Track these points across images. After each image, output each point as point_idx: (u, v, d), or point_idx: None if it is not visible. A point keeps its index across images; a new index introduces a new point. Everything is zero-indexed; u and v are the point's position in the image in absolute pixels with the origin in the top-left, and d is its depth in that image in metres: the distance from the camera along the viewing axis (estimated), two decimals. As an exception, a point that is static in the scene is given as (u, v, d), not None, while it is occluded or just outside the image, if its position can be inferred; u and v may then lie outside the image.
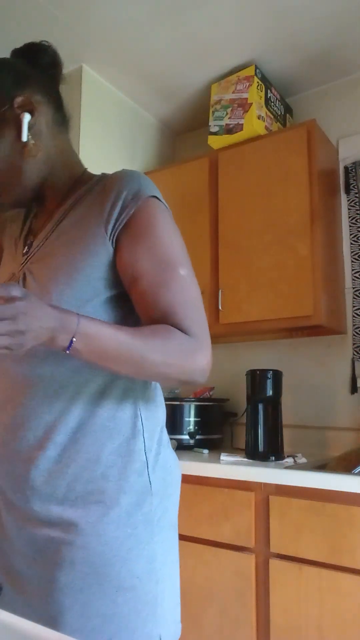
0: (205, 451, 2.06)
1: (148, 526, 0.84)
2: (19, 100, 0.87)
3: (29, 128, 0.87)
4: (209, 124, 2.33)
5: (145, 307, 0.84)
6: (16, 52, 0.97)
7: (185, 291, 0.85)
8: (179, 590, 0.92)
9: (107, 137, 2.42)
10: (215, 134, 2.31)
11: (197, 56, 2.24)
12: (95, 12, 1.99)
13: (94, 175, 0.95)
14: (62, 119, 0.95)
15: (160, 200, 0.90)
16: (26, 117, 0.87)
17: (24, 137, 0.86)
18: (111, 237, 0.85)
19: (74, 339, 0.72)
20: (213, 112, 2.33)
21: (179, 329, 0.82)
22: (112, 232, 0.85)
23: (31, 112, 0.88)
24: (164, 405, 0.98)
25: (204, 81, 2.41)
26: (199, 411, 2.16)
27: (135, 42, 2.15)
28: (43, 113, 0.90)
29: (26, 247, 0.94)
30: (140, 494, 0.84)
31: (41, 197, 0.95)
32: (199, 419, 2.15)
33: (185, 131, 2.85)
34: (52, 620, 0.78)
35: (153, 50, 2.21)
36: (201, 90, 2.47)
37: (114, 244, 0.85)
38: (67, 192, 0.94)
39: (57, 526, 0.81)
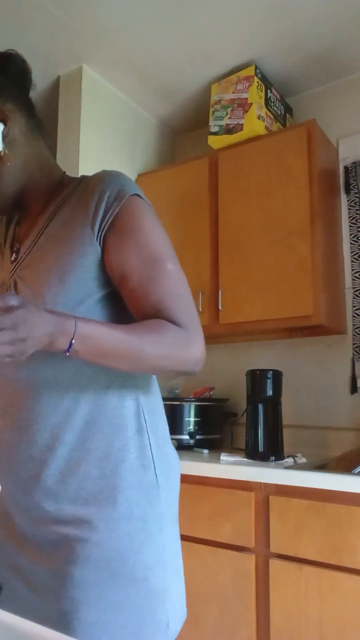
0: (205, 451, 2.06)
1: (157, 519, 0.87)
2: None
3: (3, 137, 0.89)
4: (209, 124, 2.33)
5: (137, 303, 0.86)
6: None
7: (174, 285, 0.87)
8: (183, 577, 0.95)
9: (107, 137, 2.42)
10: (215, 134, 2.31)
11: (197, 56, 2.24)
12: (95, 12, 1.99)
13: (74, 178, 0.97)
14: (36, 125, 0.96)
15: (142, 197, 0.92)
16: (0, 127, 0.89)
17: (0, 146, 0.88)
18: (98, 237, 0.87)
19: (73, 341, 0.74)
20: (213, 112, 2.33)
21: (172, 322, 0.85)
22: (98, 232, 0.87)
23: (4, 122, 0.89)
24: (162, 402, 1.00)
25: (204, 81, 2.41)
26: (199, 411, 2.16)
27: (136, 42, 2.15)
28: (16, 121, 0.92)
29: (14, 254, 0.96)
30: (148, 488, 0.87)
31: (22, 204, 0.97)
32: (199, 419, 2.15)
33: (185, 131, 2.85)
34: (66, 615, 0.80)
35: (153, 50, 2.21)
36: (201, 90, 2.47)
37: (101, 243, 0.87)
38: (48, 197, 0.96)
39: (71, 524, 0.83)
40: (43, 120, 0.99)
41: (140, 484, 0.86)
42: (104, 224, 0.87)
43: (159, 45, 2.17)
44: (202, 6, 1.96)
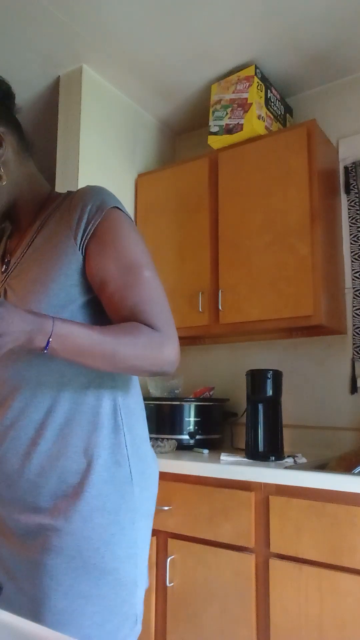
0: (205, 451, 2.06)
1: (129, 513, 0.92)
2: None
3: None
4: (209, 124, 2.33)
5: (115, 308, 0.92)
6: None
7: (150, 290, 0.93)
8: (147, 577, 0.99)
9: (107, 137, 2.42)
10: (215, 134, 2.31)
11: (197, 56, 2.24)
12: (95, 12, 1.99)
13: (60, 194, 1.04)
14: (26, 145, 1.04)
15: (122, 210, 0.98)
16: None
17: None
18: (80, 247, 0.94)
19: (50, 339, 0.80)
20: (213, 112, 2.33)
21: (147, 325, 0.91)
22: (81, 242, 0.94)
23: None
24: (143, 404, 1.05)
25: (204, 81, 2.41)
26: (199, 411, 2.16)
27: (135, 42, 2.16)
28: (9, 142, 0.99)
29: (4, 266, 1.03)
30: (122, 483, 0.92)
31: (14, 218, 1.04)
32: (199, 419, 2.15)
33: (185, 131, 2.85)
34: (38, 602, 0.85)
35: (153, 50, 2.21)
36: (201, 90, 2.47)
37: (83, 252, 0.94)
38: (37, 212, 1.03)
39: (48, 514, 0.88)
40: (32, 141, 1.06)
41: (113, 479, 0.91)
42: (86, 234, 0.94)
43: (159, 45, 2.17)
44: (202, 6, 1.96)
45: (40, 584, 0.85)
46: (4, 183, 0.97)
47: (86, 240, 0.94)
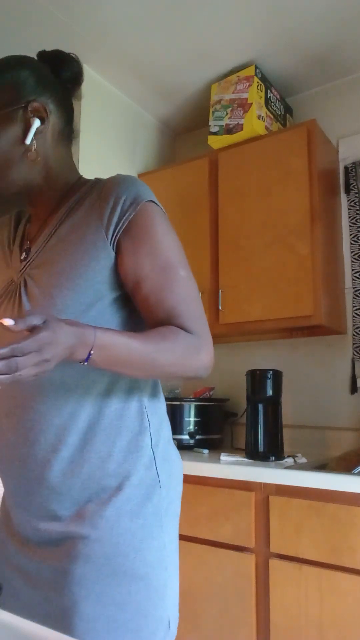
0: (205, 451, 2.06)
1: (157, 517, 0.88)
2: (34, 104, 0.89)
3: (35, 134, 0.90)
4: (209, 124, 2.33)
5: (150, 309, 0.88)
6: (43, 56, 0.98)
7: (186, 292, 0.89)
8: (178, 577, 0.96)
9: (107, 137, 2.42)
10: (215, 134, 2.31)
11: (197, 56, 2.24)
12: (95, 12, 1.99)
13: (88, 181, 0.97)
14: (69, 133, 0.98)
15: (157, 204, 0.93)
16: (36, 123, 0.89)
17: (28, 140, 0.89)
18: (112, 242, 0.88)
19: (92, 352, 0.76)
20: (213, 112, 2.33)
21: (183, 329, 0.86)
22: (112, 236, 0.88)
23: (42, 120, 0.90)
24: (165, 403, 1.01)
25: (204, 81, 2.41)
26: (199, 411, 2.16)
27: (135, 42, 2.15)
28: (52, 123, 0.93)
29: (24, 253, 0.96)
30: (149, 487, 0.89)
31: (33, 202, 0.97)
32: (199, 419, 2.15)
33: (185, 131, 2.85)
34: (67, 611, 0.81)
35: (153, 50, 2.21)
36: (201, 90, 2.47)
37: (114, 248, 0.88)
38: (61, 198, 0.96)
39: (72, 522, 0.84)
40: (77, 132, 1.02)
41: (141, 483, 0.88)
42: (118, 228, 0.88)
43: (159, 45, 2.17)
44: (202, 6, 1.96)
45: (69, 592, 0.81)
46: (34, 160, 0.90)
47: (118, 235, 0.88)
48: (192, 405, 2.16)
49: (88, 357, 0.76)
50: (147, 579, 0.84)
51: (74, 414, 0.86)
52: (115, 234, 0.88)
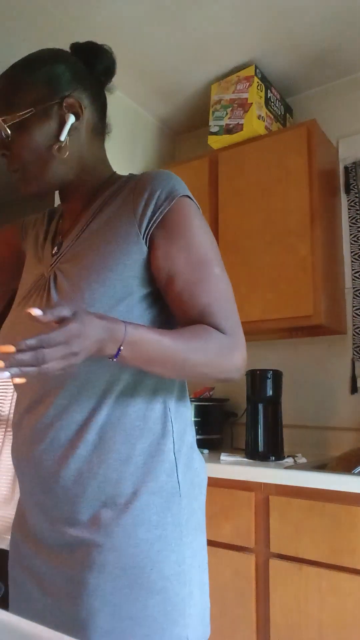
0: (205, 451, 2.06)
1: (177, 528, 0.84)
2: (70, 100, 0.88)
3: (70, 130, 0.88)
4: (209, 124, 2.33)
5: (183, 307, 0.85)
6: (76, 48, 0.96)
7: (220, 290, 0.86)
8: (208, 594, 0.90)
9: (107, 137, 2.41)
10: (215, 134, 2.31)
11: (197, 56, 2.24)
12: (95, 12, 1.99)
13: (122, 176, 0.96)
14: (103, 128, 0.97)
15: (192, 199, 0.90)
16: (71, 119, 0.88)
17: (63, 136, 0.87)
18: (145, 236, 0.86)
19: (122, 347, 0.73)
20: (213, 112, 2.33)
21: (216, 328, 0.84)
22: (145, 231, 0.86)
23: (77, 116, 0.89)
24: (190, 407, 0.98)
25: (204, 81, 2.41)
26: (199, 411, 2.16)
27: (135, 42, 2.15)
28: (87, 119, 0.91)
29: (55, 248, 0.94)
30: (169, 495, 0.84)
31: (66, 198, 0.96)
32: (199, 419, 2.15)
33: (185, 131, 2.85)
34: (82, 623, 0.78)
35: (153, 50, 2.21)
36: (201, 90, 2.47)
37: (147, 242, 0.86)
38: (94, 193, 0.94)
39: (87, 527, 0.81)
40: (111, 127, 0.99)
41: (161, 490, 0.84)
42: (152, 222, 0.86)
43: (159, 45, 2.17)
44: (202, 6, 1.96)
45: (82, 603, 0.78)
46: (69, 156, 0.89)
47: (152, 229, 0.85)
48: (192, 405, 2.16)
49: (117, 353, 0.73)
50: (164, 593, 0.80)
51: (95, 410, 0.83)
52: (149, 228, 0.86)
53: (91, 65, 0.94)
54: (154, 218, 0.85)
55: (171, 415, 0.88)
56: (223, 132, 2.28)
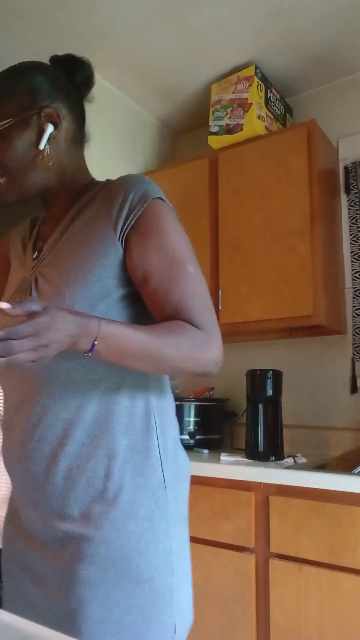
0: (205, 451, 2.06)
1: (164, 520, 0.87)
2: (48, 111, 0.92)
3: (49, 139, 0.92)
4: (209, 124, 2.33)
5: (158, 305, 0.87)
6: (55, 60, 1.00)
7: (194, 287, 0.88)
8: (191, 583, 0.94)
9: (107, 137, 2.42)
10: (215, 134, 2.31)
11: (197, 56, 2.24)
12: (95, 12, 1.99)
13: (99, 182, 0.99)
14: (82, 136, 1.00)
15: (165, 201, 0.93)
16: (49, 128, 0.92)
17: (42, 145, 0.91)
18: (120, 238, 0.89)
19: (96, 342, 0.75)
20: (213, 112, 2.33)
21: (191, 324, 0.86)
22: (121, 232, 0.89)
23: (55, 125, 0.93)
24: (174, 404, 1.00)
25: (204, 81, 2.41)
26: (199, 411, 2.16)
27: (135, 42, 2.15)
28: (65, 128, 0.95)
29: (36, 252, 0.98)
30: (155, 488, 0.87)
31: (47, 204, 1.00)
32: (199, 419, 2.15)
33: (185, 131, 2.85)
34: (72, 613, 0.81)
35: (153, 50, 2.21)
36: (201, 90, 2.47)
37: (123, 244, 0.89)
38: (73, 199, 0.98)
39: (77, 521, 0.84)
40: (89, 136, 1.03)
41: (147, 484, 0.87)
42: (127, 224, 0.89)
43: (159, 45, 2.17)
44: (203, 6, 1.96)
45: (74, 594, 0.81)
46: (48, 164, 0.93)
47: (127, 231, 0.89)
48: (192, 405, 2.16)
49: (92, 348, 0.75)
50: (152, 582, 0.83)
51: (81, 408, 0.86)
52: (124, 229, 0.89)
53: (71, 77, 0.98)
54: (129, 220, 0.89)
55: (154, 411, 0.91)
56: (223, 132, 2.28)
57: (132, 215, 0.88)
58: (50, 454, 0.85)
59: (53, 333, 0.69)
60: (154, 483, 0.87)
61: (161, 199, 0.92)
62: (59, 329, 0.70)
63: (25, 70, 0.93)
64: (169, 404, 0.97)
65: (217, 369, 0.88)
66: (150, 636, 0.83)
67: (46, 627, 0.52)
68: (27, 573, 0.89)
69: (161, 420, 0.92)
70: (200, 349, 0.84)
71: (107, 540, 0.82)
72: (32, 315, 0.69)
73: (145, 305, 0.91)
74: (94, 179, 1.02)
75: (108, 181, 0.97)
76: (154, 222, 0.89)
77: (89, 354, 0.76)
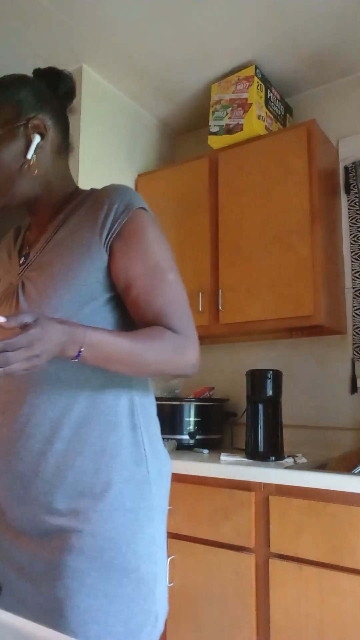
0: (205, 451, 2.06)
1: (148, 512, 0.92)
2: (35, 122, 0.96)
3: (36, 149, 0.97)
4: (209, 124, 2.33)
5: (139, 310, 0.94)
6: (38, 73, 1.04)
7: (174, 294, 0.95)
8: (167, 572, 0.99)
9: (107, 137, 2.42)
10: (215, 134, 2.31)
11: (197, 56, 2.24)
12: (95, 12, 1.99)
13: (84, 191, 1.04)
14: (66, 146, 1.05)
15: (148, 211, 0.98)
16: (36, 139, 0.96)
17: (29, 154, 0.95)
18: (105, 245, 0.94)
19: (82, 349, 0.81)
20: (213, 112, 2.33)
21: (170, 329, 0.92)
22: (105, 240, 0.94)
23: (42, 135, 0.97)
24: (155, 403, 1.05)
25: (204, 81, 2.41)
26: (199, 411, 2.16)
27: (135, 42, 2.15)
28: (51, 138, 0.99)
29: (22, 258, 1.03)
30: (140, 482, 0.92)
31: (34, 211, 1.04)
32: (199, 419, 2.15)
33: (185, 131, 2.85)
34: (60, 602, 0.84)
35: (153, 51, 2.21)
36: (201, 90, 2.47)
37: (107, 251, 0.94)
38: (59, 207, 1.03)
39: (66, 516, 0.88)
40: (73, 145, 1.08)
41: (132, 478, 0.91)
42: (111, 232, 0.93)
43: (159, 45, 2.17)
44: (203, 6, 1.96)
45: (62, 584, 0.84)
46: (35, 173, 0.97)
47: (111, 239, 0.94)
48: (192, 405, 2.16)
49: (79, 354, 0.81)
50: (138, 571, 0.88)
51: (68, 407, 0.90)
52: (109, 237, 0.93)
53: (53, 89, 1.02)
54: (113, 229, 0.94)
55: (137, 409, 0.97)
56: (223, 132, 2.28)
57: (116, 224, 0.93)
58: (39, 452, 0.89)
59: (44, 344, 0.75)
60: (139, 477, 0.92)
61: (144, 209, 0.97)
62: (50, 340, 0.76)
63: (11, 84, 0.98)
64: (151, 402, 1.02)
65: (195, 370, 0.95)
66: (134, 624, 0.87)
67: (46, 627, 0.52)
68: (14, 569, 0.91)
69: (144, 418, 0.97)
70: (178, 352, 0.91)
71: (95, 532, 0.86)
72: (25, 327, 0.75)
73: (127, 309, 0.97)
74: (78, 187, 1.06)
75: (92, 190, 1.02)
76: (137, 232, 0.94)
77: (76, 360, 0.82)
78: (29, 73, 1.05)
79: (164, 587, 0.94)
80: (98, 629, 0.83)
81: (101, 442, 0.90)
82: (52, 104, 1.00)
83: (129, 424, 0.94)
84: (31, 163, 0.96)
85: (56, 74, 1.03)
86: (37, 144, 0.96)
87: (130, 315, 0.96)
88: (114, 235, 0.93)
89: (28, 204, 1.02)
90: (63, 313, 0.90)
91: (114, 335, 0.85)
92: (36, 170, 0.97)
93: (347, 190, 2.27)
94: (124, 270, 0.93)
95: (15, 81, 0.98)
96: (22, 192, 0.98)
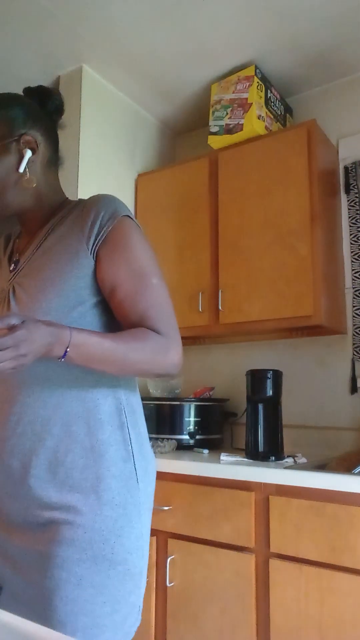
0: (205, 451, 2.06)
1: (136, 507, 0.97)
2: (26, 138, 1.01)
3: (27, 163, 1.02)
4: (209, 124, 2.33)
5: (124, 313, 0.98)
6: (28, 91, 1.09)
7: (157, 297, 0.99)
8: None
9: (107, 137, 2.42)
10: (215, 134, 2.31)
11: (197, 56, 2.24)
12: (95, 12, 1.99)
13: (72, 201, 1.09)
14: (56, 160, 1.10)
15: (132, 219, 1.03)
16: (28, 154, 1.01)
17: (22, 168, 1.00)
18: (92, 251, 0.99)
19: (68, 349, 0.86)
20: (213, 112, 2.33)
21: (153, 330, 0.97)
22: (92, 247, 0.99)
23: (33, 150, 1.02)
24: (141, 401, 1.10)
25: (204, 81, 2.41)
26: (199, 411, 2.16)
27: (135, 42, 2.16)
28: (42, 153, 1.05)
29: (13, 265, 1.07)
30: (128, 479, 0.97)
31: (24, 220, 1.09)
32: (199, 419, 2.15)
33: (185, 131, 2.85)
34: (49, 592, 0.88)
35: (153, 50, 2.21)
36: (201, 90, 2.47)
37: (94, 257, 0.99)
38: (48, 217, 1.08)
39: (57, 509, 0.91)
40: (63, 158, 1.13)
41: (121, 474, 0.96)
42: (98, 239, 0.99)
43: (159, 45, 2.17)
44: (202, 6, 1.96)
45: (51, 575, 0.88)
46: (26, 186, 1.02)
47: (98, 246, 0.98)
48: (192, 405, 2.16)
49: (65, 354, 0.86)
50: (126, 564, 0.92)
51: (58, 406, 0.95)
52: (95, 244, 0.99)
53: (43, 106, 1.08)
54: (100, 236, 0.99)
55: (125, 408, 1.01)
56: (223, 132, 2.28)
57: (102, 232, 0.99)
58: (30, 449, 0.93)
59: (30, 344, 0.79)
60: (126, 474, 0.96)
61: (129, 217, 1.02)
62: (35, 340, 0.80)
63: (2, 102, 1.03)
64: (138, 402, 1.06)
65: (177, 370, 0.99)
66: (119, 616, 0.91)
67: (45, 627, 0.52)
68: (7, 563, 0.94)
69: (131, 417, 1.02)
70: (161, 353, 0.95)
71: (86, 524, 0.90)
72: (12, 328, 0.79)
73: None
74: (67, 198, 1.12)
75: (80, 200, 1.07)
76: (122, 238, 0.99)
77: (62, 360, 0.86)
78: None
79: (144, 581, 0.99)
80: (85, 620, 0.87)
81: (90, 440, 0.94)
82: (43, 121, 1.05)
83: (117, 422, 0.98)
84: (24, 177, 1.01)
85: (45, 92, 1.08)
86: (29, 159, 1.01)
87: (117, 317, 1.00)
88: (100, 241, 0.98)
89: (19, 214, 1.07)
90: (53, 316, 0.94)
91: (98, 336, 0.90)
92: (28, 183, 1.02)
93: (347, 191, 2.27)
94: (109, 275, 0.97)
95: (7, 100, 1.03)
96: (15, 203, 1.02)
